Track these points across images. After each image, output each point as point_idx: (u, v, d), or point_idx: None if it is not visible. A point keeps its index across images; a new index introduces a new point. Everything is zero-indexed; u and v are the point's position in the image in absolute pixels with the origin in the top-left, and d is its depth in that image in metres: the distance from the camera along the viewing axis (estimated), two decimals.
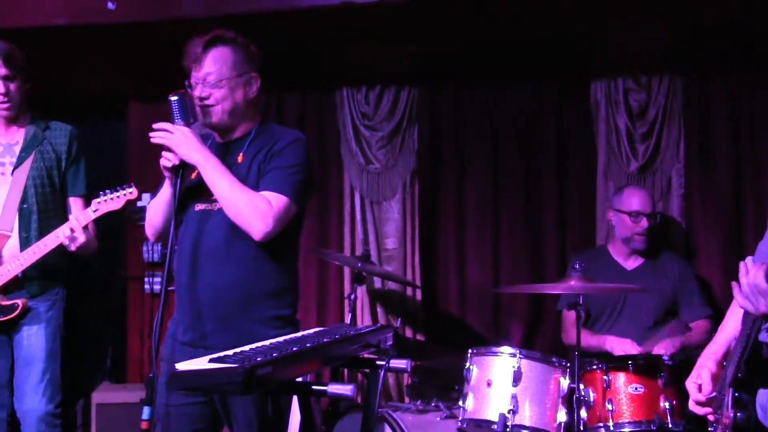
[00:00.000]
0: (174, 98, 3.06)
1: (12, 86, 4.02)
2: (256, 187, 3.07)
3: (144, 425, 2.79)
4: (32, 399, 3.99)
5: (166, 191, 3.17)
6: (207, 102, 3.12)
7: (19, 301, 4.00)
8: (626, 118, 5.10)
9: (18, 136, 4.11)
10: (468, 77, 5.35)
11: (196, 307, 3.08)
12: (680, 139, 5.10)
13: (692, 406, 2.79)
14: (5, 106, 4.03)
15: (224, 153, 3.16)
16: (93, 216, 3.93)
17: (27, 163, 4.05)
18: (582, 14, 4.44)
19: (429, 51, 4.99)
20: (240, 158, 3.13)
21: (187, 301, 3.11)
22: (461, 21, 4.54)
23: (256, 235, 3.01)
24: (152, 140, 3.06)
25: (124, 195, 3.93)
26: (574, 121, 5.31)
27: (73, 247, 3.92)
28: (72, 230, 3.89)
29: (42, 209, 4.07)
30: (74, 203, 4.17)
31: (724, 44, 4.81)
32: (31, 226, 4.04)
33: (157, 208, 3.23)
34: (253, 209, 2.99)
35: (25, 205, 4.02)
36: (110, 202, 3.95)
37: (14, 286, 4.02)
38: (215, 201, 3.08)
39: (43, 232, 4.03)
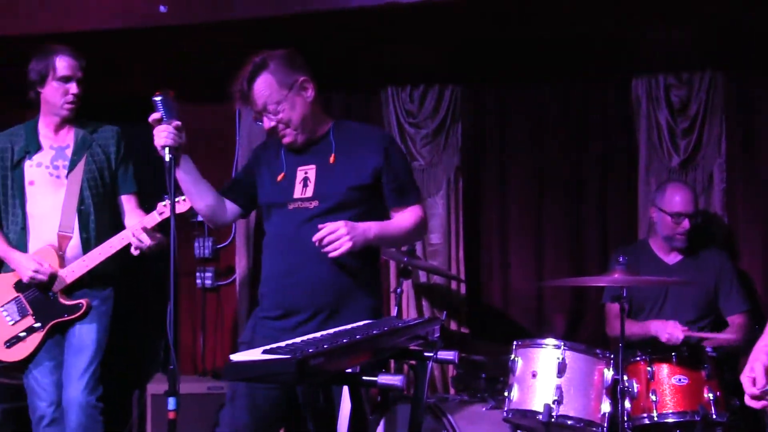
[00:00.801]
0: (159, 98, 3.13)
1: (81, 89, 4.10)
2: (349, 178, 3.19)
3: (171, 415, 2.84)
4: (76, 389, 4.01)
5: (184, 174, 3.28)
6: (280, 129, 3.23)
7: (83, 301, 4.05)
8: (667, 114, 5.03)
9: (68, 139, 4.15)
10: (510, 75, 5.31)
11: (291, 299, 3.19)
12: (722, 134, 5.01)
13: (748, 400, 2.73)
14: (72, 107, 4.10)
15: (311, 153, 3.28)
16: (159, 219, 3.95)
17: (80, 166, 4.09)
18: (622, 12, 4.39)
19: (472, 50, 4.96)
20: (332, 159, 3.22)
21: (282, 293, 3.22)
22: (503, 21, 4.50)
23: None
24: (332, 254, 3.09)
25: None
26: (615, 117, 5.25)
27: (137, 252, 3.94)
28: (137, 236, 3.89)
29: (98, 209, 4.12)
30: (127, 201, 4.22)
31: (764, 40, 4.72)
32: (90, 227, 4.10)
33: (183, 188, 3.36)
34: (421, 232, 3.40)
35: (82, 207, 4.07)
36: (176, 205, 3.97)
37: (75, 285, 4.07)
38: (309, 200, 3.20)
39: (100, 232, 4.09)
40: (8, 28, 4.81)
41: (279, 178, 3.27)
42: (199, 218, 5.05)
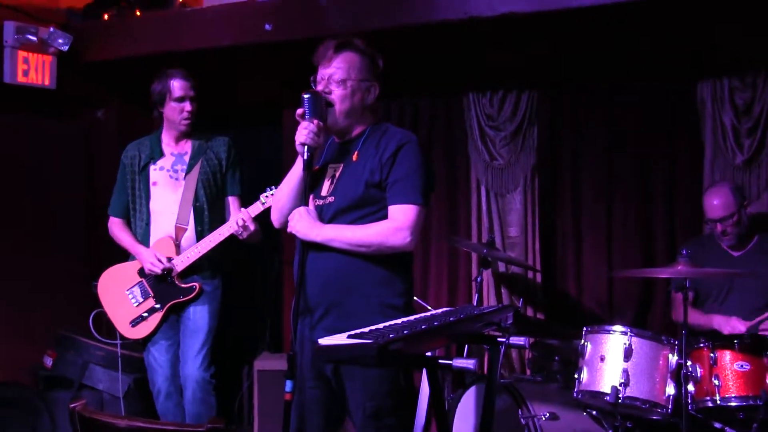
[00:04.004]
0: (306, 96, 2.96)
1: (194, 106, 4.27)
2: (365, 175, 2.96)
3: (287, 396, 2.83)
4: (192, 366, 4.21)
5: (295, 172, 3.07)
6: (328, 97, 3.01)
7: (196, 284, 4.23)
8: (732, 116, 4.86)
9: (186, 147, 4.35)
10: (583, 80, 5.23)
11: (307, 293, 3.00)
12: None
13: None
14: (189, 122, 4.29)
15: (342, 152, 3.09)
16: (262, 208, 4.10)
17: (196, 169, 4.28)
18: (690, 19, 4.28)
19: (548, 57, 4.90)
20: (355, 157, 3.02)
21: (301, 287, 3.00)
22: (578, 32, 4.45)
23: (403, 249, 2.93)
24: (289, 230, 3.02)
25: None
26: (682, 117, 5.09)
27: (245, 235, 4.09)
28: (244, 220, 4.04)
29: (211, 206, 4.30)
30: (232, 202, 4.38)
31: None
32: (204, 221, 4.27)
33: (287, 188, 3.12)
34: (384, 238, 2.92)
35: (197, 203, 4.25)
36: (267, 199, 4.09)
37: (189, 271, 4.25)
38: (327, 197, 3.02)
39: (213, 225, 4.25)
40: (129, 49, 4.99)
41: (314, 169, 3.05)
42: None
